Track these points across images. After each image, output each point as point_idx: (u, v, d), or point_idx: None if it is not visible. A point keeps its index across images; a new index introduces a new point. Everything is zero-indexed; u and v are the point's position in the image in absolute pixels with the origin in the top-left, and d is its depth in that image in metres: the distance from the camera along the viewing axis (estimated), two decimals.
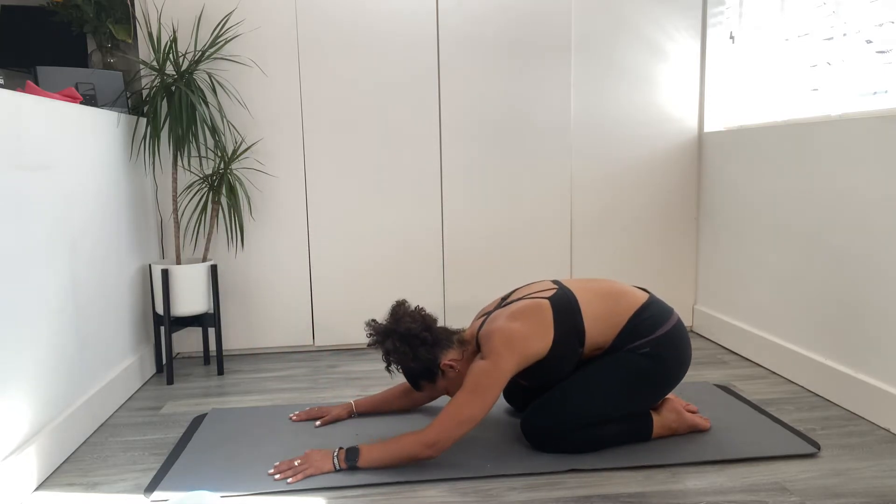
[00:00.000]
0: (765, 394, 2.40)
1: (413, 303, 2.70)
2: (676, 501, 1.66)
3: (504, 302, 2.04)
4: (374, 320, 1.95)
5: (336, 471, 1.82)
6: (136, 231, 2.68)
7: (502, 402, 2.30)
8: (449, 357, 1.93)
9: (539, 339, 1.87)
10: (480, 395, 1.78)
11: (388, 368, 1.95)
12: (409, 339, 1.88)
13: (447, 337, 1.94)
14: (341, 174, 2.99)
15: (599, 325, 1.92)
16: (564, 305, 1.92)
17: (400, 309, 1.95)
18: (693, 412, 2.10)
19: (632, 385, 1.90)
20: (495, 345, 1.84)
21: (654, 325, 1.93)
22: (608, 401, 1.90)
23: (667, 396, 2.07)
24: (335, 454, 1.83)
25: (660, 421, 2.00)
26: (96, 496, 1.76)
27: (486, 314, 2.05)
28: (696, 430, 2.04)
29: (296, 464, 1.83)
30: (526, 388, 2.18)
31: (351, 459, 1.82)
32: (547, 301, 1.92)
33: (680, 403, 2.07)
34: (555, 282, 2.03)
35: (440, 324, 2.00)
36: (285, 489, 1.75)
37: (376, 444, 1.83)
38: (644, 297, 2.00)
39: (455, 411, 1.78)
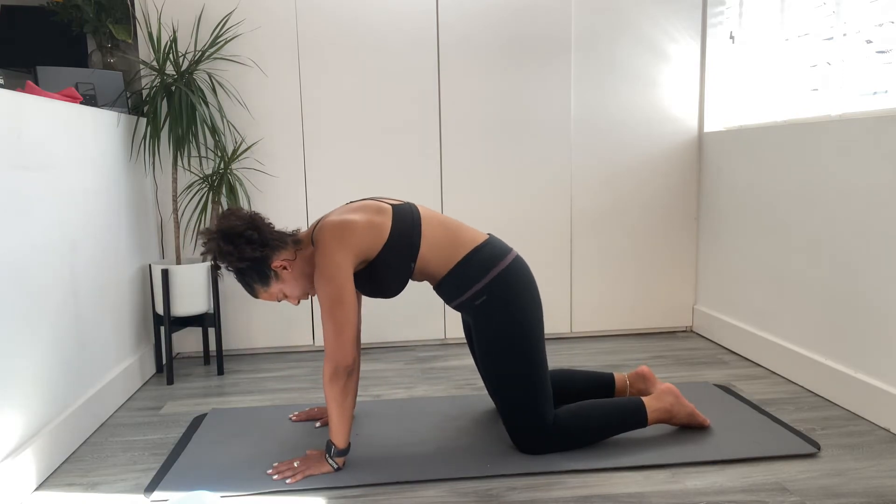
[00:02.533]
0: (765, 394, 2.40)
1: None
2: (676, 501, 1.66)
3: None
4: (208, 228, 1.83)
5: (335, 470, 1.82)
6: (136, 231, 2.68)
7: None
8: (282, 257, 1.84)
9: (372, 233, 1.82)
10: (336, 302, 1.75)
11: (216, 272, 1.85)
12: (233, 238, 1.77)
13: (280, 238, 1.84)
14: (341, 174, 2.99)
15: (435, 251, 1.89)
16: (406, 217, 1.88)
17: (227, 210, 1.84)
18: None
19: (509, 338, 1.87)
20: (325, 238, 1.78)
21: (488, 265, 1.89)
22: (515, 365, 1.87)
23: (664, 384, 2.06)
24: (327, 456, 1.83)
25: (655, 403, 1.98)
26: (96, 496, 1.76)
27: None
28: (695, 422, 2.03)
29: (295, 465, 1.83)
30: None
31: (333, 452, 1.81)
32: (390, 206, 1.89)
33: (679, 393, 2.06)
34: (407, 202, 1.98)
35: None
36: (285, 489, 1.75)
37: (331, 422, 1.81)
38: (484, 237, 1.96)
39: (329, 331, 1.75)
